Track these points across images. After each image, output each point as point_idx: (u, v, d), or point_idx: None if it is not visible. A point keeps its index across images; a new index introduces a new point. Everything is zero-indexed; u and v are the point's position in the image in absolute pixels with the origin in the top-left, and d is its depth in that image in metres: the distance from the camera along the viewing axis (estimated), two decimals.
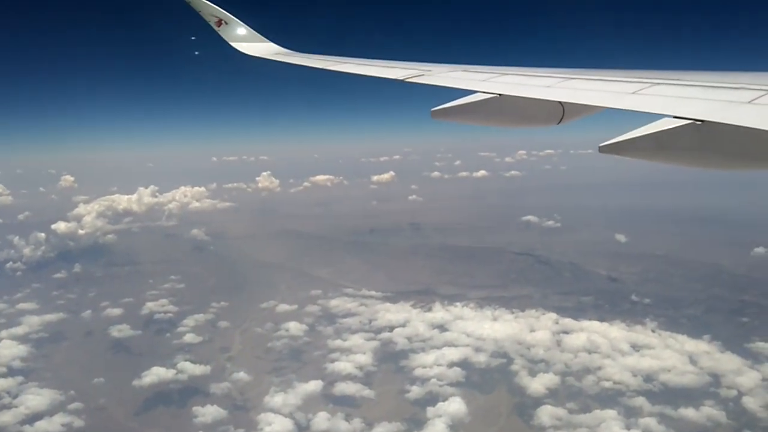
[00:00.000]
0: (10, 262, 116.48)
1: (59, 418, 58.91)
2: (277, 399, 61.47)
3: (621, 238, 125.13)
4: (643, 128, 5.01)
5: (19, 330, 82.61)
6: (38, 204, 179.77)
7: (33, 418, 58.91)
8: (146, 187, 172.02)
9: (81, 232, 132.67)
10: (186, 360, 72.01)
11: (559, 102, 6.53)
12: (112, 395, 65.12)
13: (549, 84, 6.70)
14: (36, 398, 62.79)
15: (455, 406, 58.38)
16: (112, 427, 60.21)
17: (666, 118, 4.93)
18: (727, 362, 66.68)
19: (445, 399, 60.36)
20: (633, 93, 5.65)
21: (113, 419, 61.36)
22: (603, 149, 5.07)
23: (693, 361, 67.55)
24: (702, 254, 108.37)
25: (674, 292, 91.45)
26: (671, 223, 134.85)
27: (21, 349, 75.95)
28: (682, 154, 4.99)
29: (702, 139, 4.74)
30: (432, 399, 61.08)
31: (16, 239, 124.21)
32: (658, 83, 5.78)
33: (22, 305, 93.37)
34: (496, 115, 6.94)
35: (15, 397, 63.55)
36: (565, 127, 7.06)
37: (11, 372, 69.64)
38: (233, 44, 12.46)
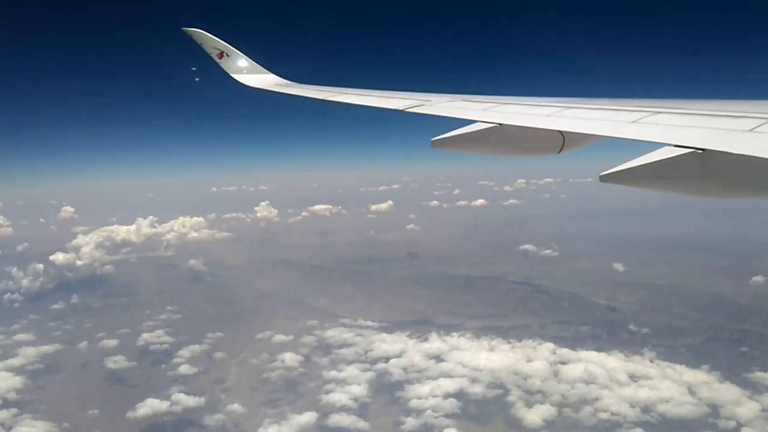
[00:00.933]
0: (8, 294, 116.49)
1: None
2: (270, 431, 60.92)
3: (620, 267, 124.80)
4: (643, 157, 4.96)
5: (15, 361, 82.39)
6: (38, 235, 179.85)
7: None
8: (145, 218, 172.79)
9: (79, 263, 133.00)
10: (180, 391, 71.64)
11: (560, 131, 6.47)
12: (107, 427, 64.66)
13: (549, 113, 6.66)
14: (31, 430, 62.64)
15: None
16: None
17: (666, 147, 4.88)
18: (727, 392, 66.15)
19: (440, 431, 59.83)
20: (633, 122, 5.64)
21: None
22: (604, 178, 5.02)
23: (692, 391, 67.00)
24: (702, 283, 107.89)
25: (673, 321, 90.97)
26: (671, 252, 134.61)
27: (16, 381, 75.72)
28: (683, 183, 4.95)
29: (703, 168, 4.70)
30: (427, 431, 60.58)
31: (14, 270, 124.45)
32: (659, 112, 5.77)
33: (19, 336, 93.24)
34: (496, 144, 6.89)
35: (9, 429, 63.40)
36: (565, 155, 7.00)
37: (6, 404, 69.42)
38: (234, 76, 12.68)
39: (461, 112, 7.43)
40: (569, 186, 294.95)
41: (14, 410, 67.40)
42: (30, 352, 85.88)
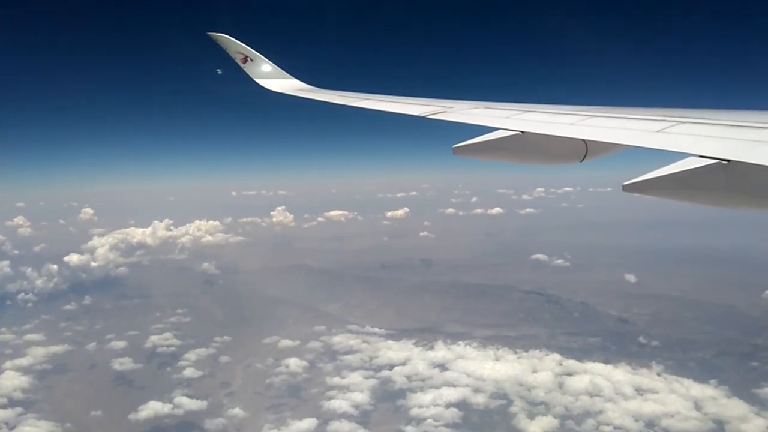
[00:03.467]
0: (22, 294, 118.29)
1: None
2: None
3: (635, 278, 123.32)
4: (667, 167, 4.95)
5: (24, 361, 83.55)
6: (56, 236, 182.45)
7: None
8: (161, 221, 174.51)
9: (93, 264, 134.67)
10: (184, 395, 71.98)
11: (583, 140, 6.41)
12: (108, 428, 65.20)
13: (572, 122, 6.62)
14: (33, 430, 63.18)
15: None
16: None
17: (691, 158, 4.84)
18: (734, 408, 64.94)
19: None
20: (658, 131, 5.58)
21: None
22: (627, 188, 5.01)
23: (698, 406, 65.86)
24: (717, 296, 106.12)
25: (685, 334, 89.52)
26: (686, 264, 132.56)
27: (23, 381, 76.79)
28: (707, 194, 4.91)
29: (728, 179, 4.65)
30: None
31: (29, 270, 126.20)
32: (684, 122, 5.72)
33: (29, 336, 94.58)
34: (519, 152, 6.88)
35: (12, 428, 64.16)
36: (587, 164, 6.99)
37: (11, 403, 70.37)
38: (258, 80, 12.77)
39: (483, 119, 7.40)
40: (588, 195, 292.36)
41: (19, 409, 68.31)
42: (39, 352, 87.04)
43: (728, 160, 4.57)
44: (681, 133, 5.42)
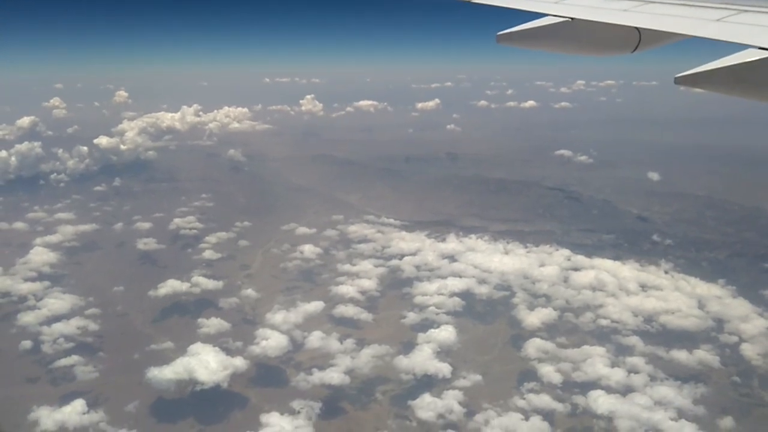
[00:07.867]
0: (55, 174, 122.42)
1: (76, 322, 63.00)
2: (278, 316, 63.77)
3: (663, 176, 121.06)
4: (723, 59, 4.68)
5: (53, 238, 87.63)
6: (89, 118, 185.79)
7: (52, 320, 63.15)
8: (190, 106, 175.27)
9: (123, 147, 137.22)
10: (202, 275, 74.88)
11: (636, 28, 6.01)
12: (129, 303, 68.85)
13: (626, 8, 6.20)
14: (58, 302, 66.95)
15: (445, 334, 59.36)
16: (128, 332, 63.67)
17: (750, 49, 4.51)
18: (737, 308, 64.77)
19: (438, 326, 61.28)
20: (717, 20, 5.22)
21: (130, 325, 65.00)
22: (679, 80, 4.77)
23: (701, 305, 65.87)
24: (745, 197, 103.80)
25: (702, 234, 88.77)
26: (722, 163, 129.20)
27: (52, 256, 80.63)
28: (763, 89, 4.64)
29: None
30: (427, 325, 62.09)
31: (60, 152, 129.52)
32: (746, 10, 5.36)
33: (60, 215, 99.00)
34: (567, 40, 6.54)
35: (40, 299, 67.92)
36: (635, 56, 6.62)
37: (40, 277, 74.25)
38: None
39: (531, 5, 6.99)
40: (631, 90, 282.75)
41: (47, 283, 72.06)
42: (69, 230, 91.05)
43: None
44: (742, 22, 5.05)
